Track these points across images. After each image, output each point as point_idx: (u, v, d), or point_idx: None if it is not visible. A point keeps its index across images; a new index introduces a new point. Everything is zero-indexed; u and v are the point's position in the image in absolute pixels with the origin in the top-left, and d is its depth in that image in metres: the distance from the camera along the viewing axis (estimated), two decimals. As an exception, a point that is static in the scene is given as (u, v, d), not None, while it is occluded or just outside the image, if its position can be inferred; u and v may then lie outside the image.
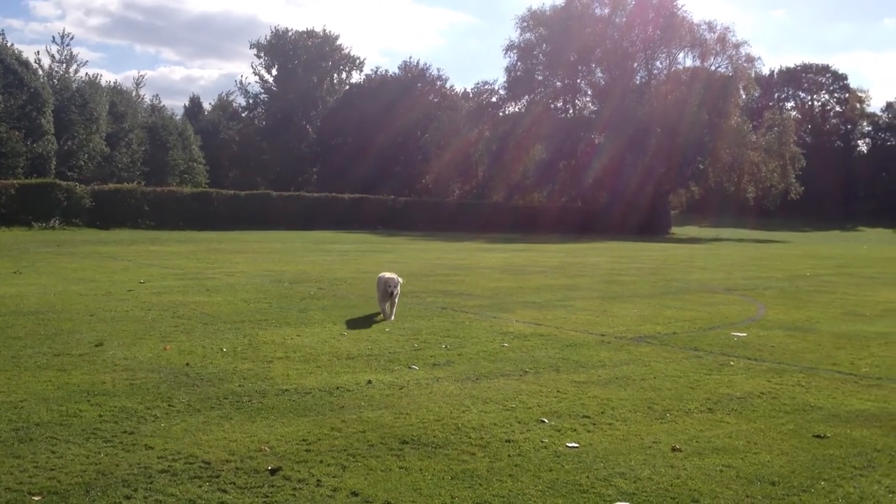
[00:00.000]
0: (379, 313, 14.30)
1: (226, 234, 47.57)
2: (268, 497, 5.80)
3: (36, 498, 5.66)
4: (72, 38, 75.97)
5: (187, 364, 10.07)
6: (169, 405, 8.18)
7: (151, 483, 6.02)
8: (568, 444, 7.20)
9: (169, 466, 6.38)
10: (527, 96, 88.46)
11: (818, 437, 7.64)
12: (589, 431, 7.66)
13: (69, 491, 5.81)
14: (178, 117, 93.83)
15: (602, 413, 8.32)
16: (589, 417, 8.13)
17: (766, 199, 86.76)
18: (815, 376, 10.40)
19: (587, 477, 6.39)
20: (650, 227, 76.87)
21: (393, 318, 13.66)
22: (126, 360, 10.26)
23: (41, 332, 12.01)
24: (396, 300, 13.82)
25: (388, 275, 13.77)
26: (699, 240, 68.52)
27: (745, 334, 13.61)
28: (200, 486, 5.98)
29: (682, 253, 43.86)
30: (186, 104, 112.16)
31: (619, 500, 5.87)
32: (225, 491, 5.90)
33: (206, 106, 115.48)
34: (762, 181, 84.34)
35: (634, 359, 11.29)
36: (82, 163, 70.08)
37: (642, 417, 8.23)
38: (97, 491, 5.83)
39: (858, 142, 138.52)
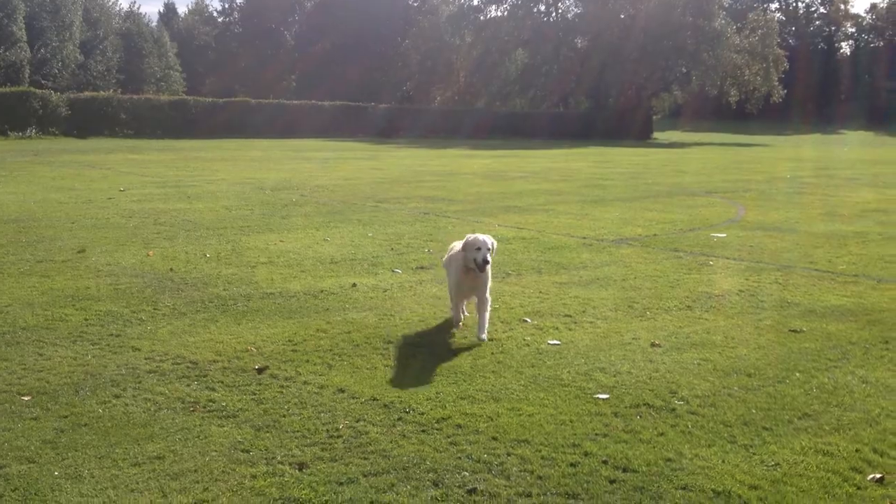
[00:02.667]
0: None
1: (205, 143, 47.09)
2: (255, 395, 5.90)
3: (26, 398, 5.73)
4: (40, -59, 73.24)
5: (171, 269, 10.10)
6: (154, 309, 8.23)
7: (140, 383, 6.10)
8: (549, 342, 7.33)
9: (157, 367, 6.46)
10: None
11: (794, 331, 7.81)
12: (570, 330, 7.79)
13: (58, 391, 5.89)
14: (152, 24, 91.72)
15: (583, 312, 8.44)
16: (570, 316, 8.24)
17: (749, 102, 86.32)
18: (793, 274, 10.56)
19: (568, 372, 6.52)
20: (632, 132, 76.55)
21: (485, 335, 7.32)
22: (109, 265, 10.28)
23: (23, 240, 11.98)
24: (488, 295, 7.50)
25: (474, 236, 7.38)
26: (681, 144, 68.45)
27: (724, 235, 13.74)
28: (189, 385, 6.07)
29: (664, 157, 43.87)
30: (161, 10, 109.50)
31: (599, 394, 6.01)
32: (213, 389, 6.00)
33: (181, 11, 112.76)
34: (745, 84, 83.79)
35: (615, 260, 11.40)
36: (56, 71, 68.71)
37: (622, 315, 8.36)
38: (86, 390, 5.91)
39: (842, 44, 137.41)
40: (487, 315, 7.37)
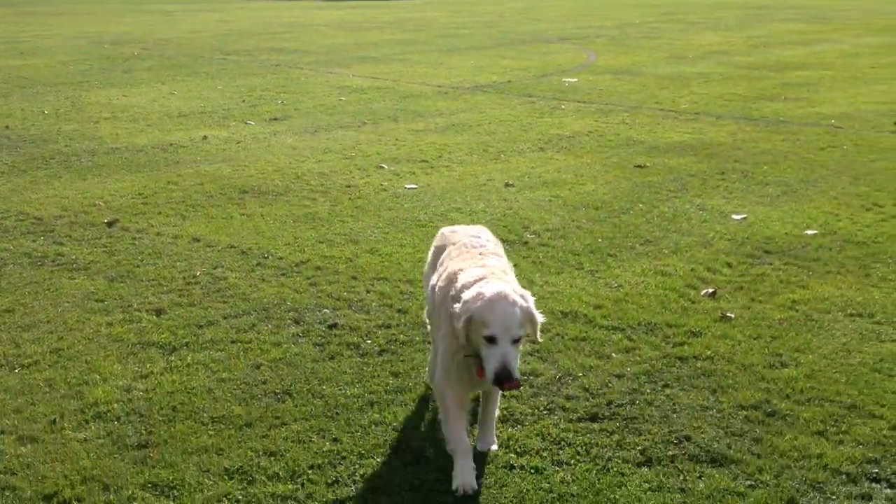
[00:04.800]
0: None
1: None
2: (107, 247, 5.77)
3: None
4: None
5: (7, 127, 9.55)
6: (-9, 167, 7.83)
7: (-19, 241, 5.87)
8: (406, 186, 7.41)
9: (-2, 224, 6.21)
10: None
11: (639, 167, 8.15)
12: (427, 174, 7.88)
13: None
14: None
15: (439, 157, 8.54)
16: (427, 161, 8.33)
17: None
18: (639, 114, 10.92)
19: (425, 213, 6.64)
20: (487, -19, 75.58)
21: (494, 444, 3.52)
22: (-63, 125, 9.64)
23: None
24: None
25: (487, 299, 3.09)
26: (535, -6, 68.10)
27: (576, 80, 13.98)
28: (34, 241, 5.87)
29: (519, 5, 43.59)
30: None
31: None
32: (61, 244, 5.82)
33: None
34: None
35: (471, 107, 11.48)
36: None
37: (478, 159, 8.50)
38: (-77, 252, 5.64)
39: None
40: (496, 409, 3.55)
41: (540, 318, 3.15)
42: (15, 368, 4.07)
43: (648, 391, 3.92)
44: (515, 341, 3.02)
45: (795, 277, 5.30)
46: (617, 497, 3.16)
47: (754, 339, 4.44)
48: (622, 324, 4.62)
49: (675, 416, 3.71)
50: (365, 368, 4.14)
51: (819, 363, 4.16)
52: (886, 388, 3.91)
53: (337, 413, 3.73)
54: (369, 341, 4.43)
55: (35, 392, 3.86)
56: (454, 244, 3.71)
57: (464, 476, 3.21)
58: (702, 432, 3.57)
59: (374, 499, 3.15)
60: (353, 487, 3.22)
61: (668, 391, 3.92)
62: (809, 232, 6.14)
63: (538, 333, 3.16)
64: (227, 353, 4.27)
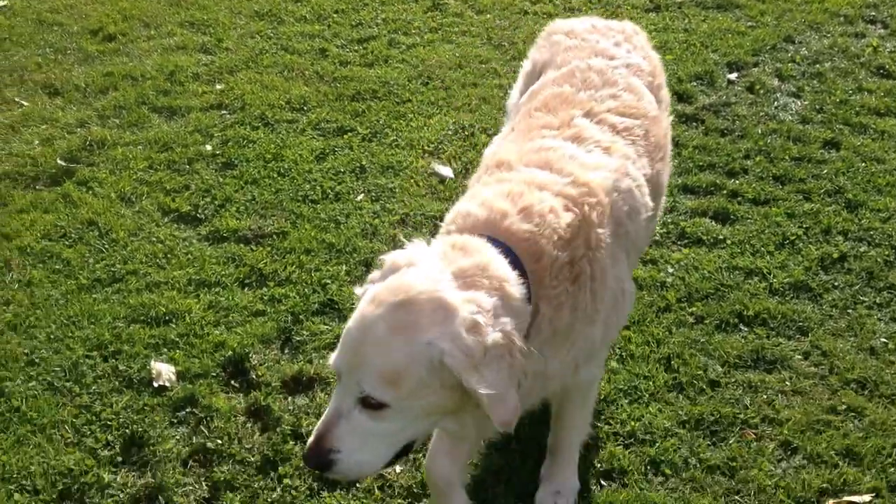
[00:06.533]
0: None
1: None
2: None
3: None
4: None
5: None
6: None
7: None
8: None
9: None
10: None
11: None
12: None
13: None
14: None
15: None
16: None
17: None
18: None
19: None
20: None
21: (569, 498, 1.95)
22: None
23: None
24: (595, 372, 1.83)
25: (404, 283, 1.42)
26: None
27: None
28: None
29: None
30: None
31: None
32: None
33: None
34: None
35: None
36: None
37: None
38: None
39: None
40: (584, 429, 1.94)
41: (483, 388, 1.35)
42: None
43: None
44: (368, 404, 1.42)
45: None
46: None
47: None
48: None
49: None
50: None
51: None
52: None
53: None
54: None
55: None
56: (559, 68, 1.91)
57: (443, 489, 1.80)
58: (712, -15, 3.69)
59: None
60: (375, 29, 3.42)
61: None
62: None
63: (479, 395, 1.36)
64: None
